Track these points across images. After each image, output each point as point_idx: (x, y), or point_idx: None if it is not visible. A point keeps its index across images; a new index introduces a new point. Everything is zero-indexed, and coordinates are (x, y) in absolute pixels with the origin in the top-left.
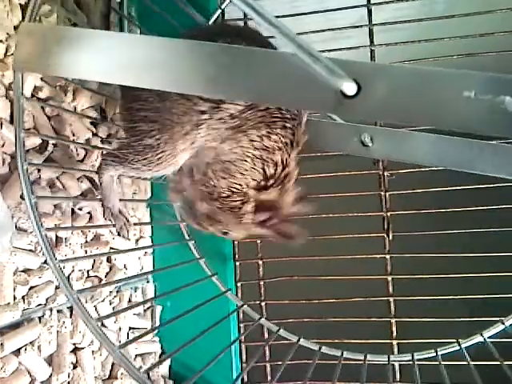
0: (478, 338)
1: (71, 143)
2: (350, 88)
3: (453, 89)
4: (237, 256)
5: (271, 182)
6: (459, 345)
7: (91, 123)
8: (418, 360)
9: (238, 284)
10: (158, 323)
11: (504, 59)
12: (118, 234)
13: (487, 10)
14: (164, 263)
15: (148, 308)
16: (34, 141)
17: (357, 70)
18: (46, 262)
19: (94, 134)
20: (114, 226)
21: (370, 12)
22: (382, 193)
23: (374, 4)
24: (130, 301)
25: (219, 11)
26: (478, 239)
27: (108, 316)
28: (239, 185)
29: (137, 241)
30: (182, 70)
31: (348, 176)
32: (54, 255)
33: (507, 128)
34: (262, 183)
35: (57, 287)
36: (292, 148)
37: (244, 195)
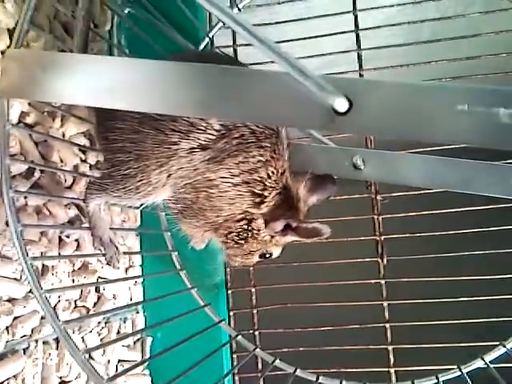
0: (479, 363)
1: (59, 170)
2: (341, 104)
3: (446, 102)
4: (229, 284)
5: (266, 193)
6: (460, 370)
7: (79, 149)
8: None
9: (231, 313)
10: (148, 355)
11: (490, 81)
12: (108, 264)
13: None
14: (155, 293)
15: (138, 339)
16: (20, 166)
17: (348, 87)
18: (31, 291)
19: (83, 161)
20: (104, 255)
21: (357, 36)
22: (375, 216)
23: (361, 29)
24: (119, 332)
25: (207, 39)
26: (475, 261)
27: (96, 348)
28: (232, 214)
29: (126, 270)
30: (171, 91)
31: (340, 200)
32: (40, 285)
33: (502, 140)
34: (257, 200)
35: (42, 317)
36: (275, 160)
37: (244, 217)
